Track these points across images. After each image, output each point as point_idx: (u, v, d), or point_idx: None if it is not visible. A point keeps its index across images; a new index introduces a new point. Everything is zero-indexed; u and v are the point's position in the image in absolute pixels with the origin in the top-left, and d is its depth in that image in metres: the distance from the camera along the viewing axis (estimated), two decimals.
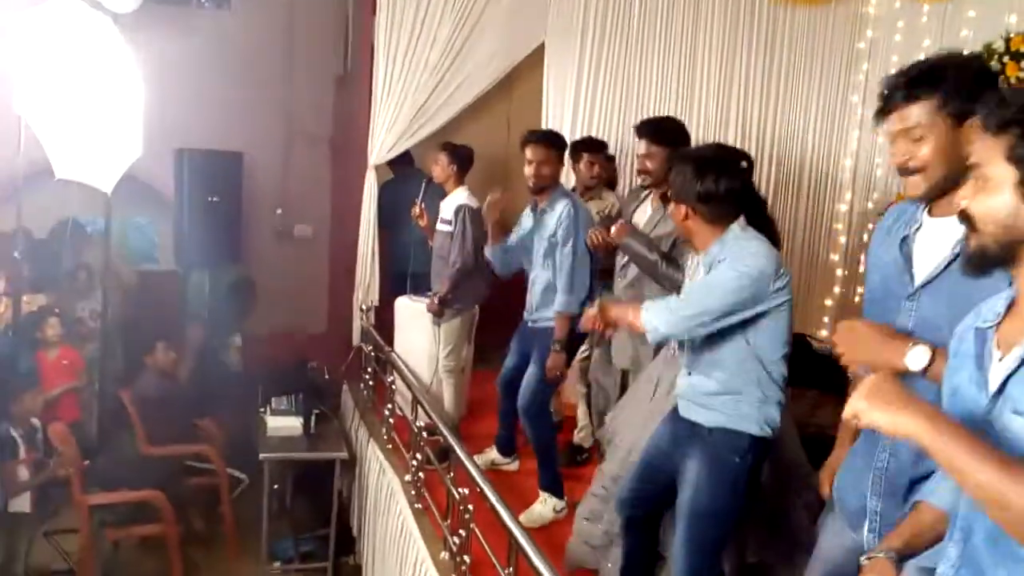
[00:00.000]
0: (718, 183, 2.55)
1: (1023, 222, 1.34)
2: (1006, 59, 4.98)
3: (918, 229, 1.92)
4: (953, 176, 1.74)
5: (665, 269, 3.40)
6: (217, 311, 5.72)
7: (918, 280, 1.88)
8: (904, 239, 1.93)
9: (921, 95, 1.79)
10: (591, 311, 2.75)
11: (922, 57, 5.62)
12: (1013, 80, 4.91)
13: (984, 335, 1.45)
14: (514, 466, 4.53)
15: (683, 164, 2.63)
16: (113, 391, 5.13)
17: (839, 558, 2.10)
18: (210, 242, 5.62)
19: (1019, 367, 1.34)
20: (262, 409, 5.03)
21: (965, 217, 1.42)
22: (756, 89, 6.07)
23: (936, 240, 1.86)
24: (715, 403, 2.60)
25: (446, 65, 5.71)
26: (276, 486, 5.01)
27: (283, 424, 4.90)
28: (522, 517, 3.90)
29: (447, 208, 4.79)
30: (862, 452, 2.05)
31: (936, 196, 1.85)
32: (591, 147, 4.91)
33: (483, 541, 3.11)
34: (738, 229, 2.59)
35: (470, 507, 3.17)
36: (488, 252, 4.18)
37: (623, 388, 3.87)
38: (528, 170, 3.99)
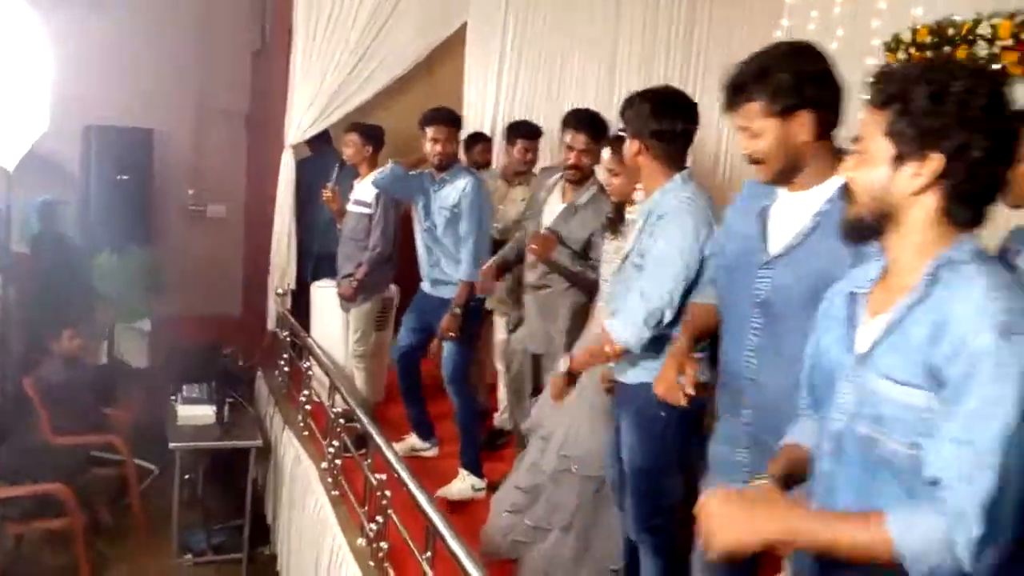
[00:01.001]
0: (674, 122, 2.58)
1: (893, 195, 1.43)
2: (912, 49, 5.13)
3: (775, 202, 2.03)
4: (792, 162, 1.93)
5: (587, 276, 3.49)
6: (126, 294, 5.50)
7: (774, 250, 1.98)
8: (762, 210, 2.04)
9: (753, 95, 1.90)
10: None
11: (835, 47, 5.81)
12: None
13: (856, 299, 1.55)
14: (433, 452, 4.51)
15: (642, 101, 2.62)
16: (15, 378, 4.90)
17: None
18: (119, 222, 5.43)
19: (886, 334, 1.44)
20: (173, 397, 4.87)
21: (846, 189, 1.52)
22: (676, 77, 6.12)
23: (793, 212, 1.97)
24: (637, 359, 2.62)
25: (367, 43, 5.62)
26: (188, 476, 4.87)
27: (195, 412, 4.75)
28: (439, 492, 3.97)
29: (364, 190, 4.71)
30: (729, 408, 2.15)
31: (782, 179, 1.98)
32: (527, 133, 4.92)
33: (400, 527, 3.07)
34: (680, 180, 2.61)
35: (387, 493, 3.13)
36: (391, 166, 4.20)
37: (536, 373, 3.88)
38: (433, 148, 4.08)
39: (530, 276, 3.81)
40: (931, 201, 1.41)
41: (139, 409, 5.13)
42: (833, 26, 5.91)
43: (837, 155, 1.91)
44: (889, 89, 1.42)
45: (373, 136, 4.77)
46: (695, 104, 2.67)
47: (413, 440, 4.50)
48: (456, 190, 4.10)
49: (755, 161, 1.98)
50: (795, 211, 1.97)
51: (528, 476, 3.34)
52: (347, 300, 4.73)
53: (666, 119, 2.57)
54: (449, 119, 4.15)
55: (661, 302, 2.50)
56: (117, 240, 5.49)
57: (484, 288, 3.98)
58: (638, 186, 2.92)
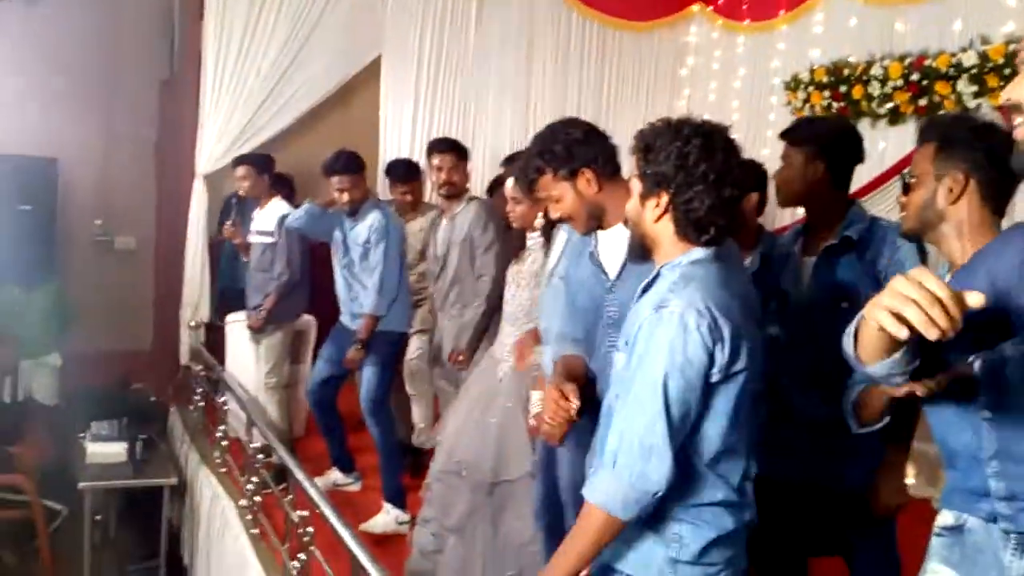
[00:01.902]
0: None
1: (644, 222, 1.88)
2: (811, 89, 5.42)
3: (596, 244, 2.39)
4: (594, 210, 2.32)
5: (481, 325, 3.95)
6: (31, 330, 5.31)
7: (612, 276, 2.34)
8: (591, 253, 2.40)
9: (542, 170, 2.32)
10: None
11: (737, 85, 6.07)
12: (817, 107, 5.34)
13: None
14: (356, 486, 4.48)
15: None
16: None
17: None
18: (22, 255, 5.23)
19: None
20: (81, 435, 4.72)
21: (626, 218, 1.96)
22: (588, 111, 6.27)
23: (613, 245, 2.34)
24: None
25: (279, 74, 5.61)
26: (99, 517, 4.71)
27: (105, 450, 4.61)
28: (363, 526, 3.95)
29: (265, 220, 4.71)
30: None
31: (593, 227, 2.36)
32: (403, 175, 4.88)
33: (324, 564, 3.06)
34: None
35: (310, 529, 3.12)
36: (307, 207, 4.25)
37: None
38: (341, 197, 4.14)
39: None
40: (668, 226, 1.84)
41: (47, 447, 4.94)
42: (736, 65, 6.19)
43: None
44: (641, 142, 1.86)
45: (265, 165, 4.78)
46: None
47: (335, 475, 4.47)
48: (366, 227, 4.16)
49: (566, 219, 2.39)
50: (614, 243, 2.33)
51: (428, 482, 3.39)
52: (256, 331, 4.69)
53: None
54: (350, 167, 4.14)
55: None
56: (21, 274, 5.30)
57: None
58: (540, 214, 3.11)
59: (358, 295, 4.24)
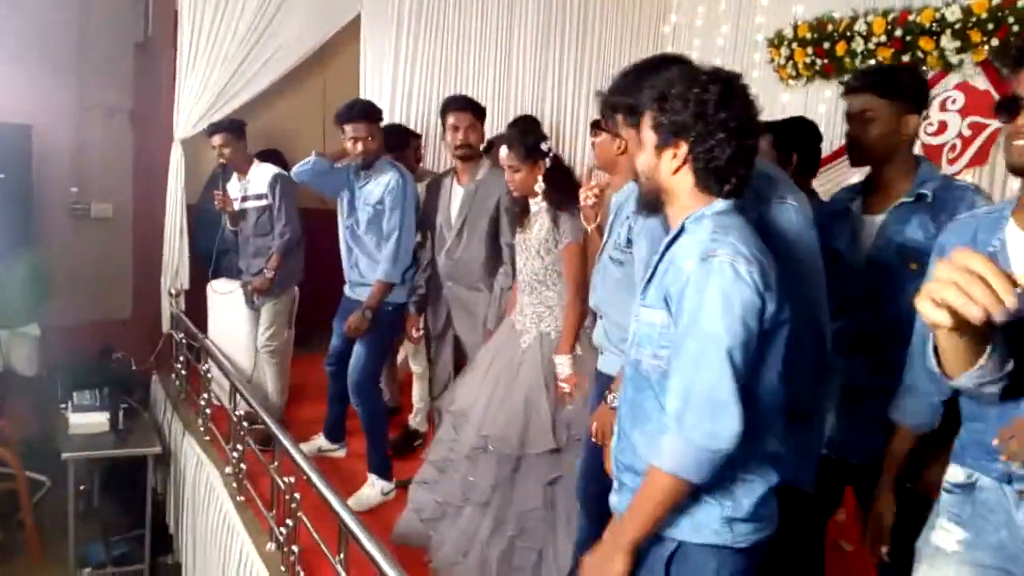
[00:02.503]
0: None
1: (659, 175, 1.83)
2: (794, 45, 5.36)
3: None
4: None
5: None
6: (9, 300, 5.23)
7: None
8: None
9: (617, 109, 2.31)
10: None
11: (720, 42, 6.01)
12: (800, 64, 5.30)
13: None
14: (341, 452, 4.47)
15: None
16: None
17: None
18: None
19: (652, 274, 1.85)
20: (63, 405, 4.68)
21: (635, 171, 1.93)
22: (570, 69, 6.24)
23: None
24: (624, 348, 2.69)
25: (257, 35, 5.48)
26: (83, 487, 4.70)
27: (87, 420, 4.57)
28: (350, 501, 3.89)
29: (257, 183, 4.63)
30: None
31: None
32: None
33: (312, 530, 3.05)
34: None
35: (296, 496, 3.11)
36: (314, 159, 3.99)
37: (457, 354, 4.01)
38: (354, 147, 3.91)
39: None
40: (687, 177, 1.79)
41: (28, 419, 4.90)
42: (719, 22, 6.11)
43: None
44: (653, 92, 1.81)
45: (240, 130, 4.70)
46: None
47: (321, 441, 4.45)
48: (380, 186, 3.96)
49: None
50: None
51: (438, 450, 3.39)
52: (262, 294, 4.62)
53: None
54: (367, 114, 3.95)
55: None
56: None
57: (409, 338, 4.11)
58: (539, 179, 3.19)
59: (357, 261, 4.10)
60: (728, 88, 1.74)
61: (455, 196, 3.97)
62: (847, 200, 2.56)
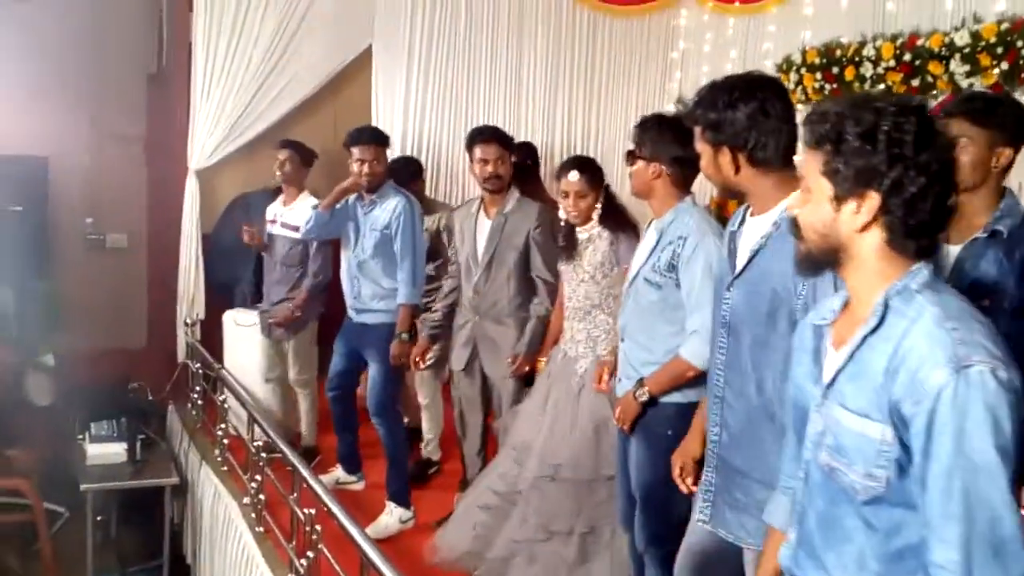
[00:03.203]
0: (693, 150, 2.69)
1: (839, 232, 1.47)
2: (803, 71, 5.39)
3: (740, 226, 2.17)
4: (730, 187, 2.12)
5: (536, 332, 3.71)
6: (25, 330, 5.26)
7: (737, 270, 2.14)
8: (731, 235, 2.19)
9: (696, 122, 2.14)
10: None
11: (729, 68, 6.04)
12: (809, 90, 5.32)
13: (821, 331, 1.60)
14: (360, 485, 4.45)
15: (664, 126, 2.76)
16: None
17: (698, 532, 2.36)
18: (14, 255, 5.17)
19: (846, 364, 1.49)
20: (80, 436, 4.69)
21: (794, 225, 1.56)
22: (580, 97, 6.27)
23: (750, 237, 2.11)
24: (645, 372, 2.72)
25: (270, 66, 5.56)
26: (100, 518, 4.69)
27: (105, 451, 4.59)
28: (368, 530, 3.89)
29: (300, 215, 4.55)
30: (708, 427, 2.27)
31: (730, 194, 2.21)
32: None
33: (333, 562, 3.05)
34: (690, 202, 2.77)
35: (317, 527, 3.11)
36: (314, 215, 4.13)
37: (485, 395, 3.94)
38: (361, 168, 3.97)
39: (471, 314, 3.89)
40: (876, 235, 1.44)
41: (45, 450, 4.91)
42: (727, 47, 6.15)
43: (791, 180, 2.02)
44: (821, 129, 1.46)
45: (307, 155, 4.73)
46: None
47: (338, 473, 4.44)
48: (387, 212, 4.02)
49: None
50: (751, 236, 2.11)
51: (500, 483, 3.43)
52: (281, 327, 4.64)
53: (688, 146, 2.59)
54: (376, 138, 4.05)
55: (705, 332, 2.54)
56: (13, 275, 5.24)
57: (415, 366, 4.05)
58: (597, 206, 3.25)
59: (360, 291, 4.12)
60: (925, 121, 1.41)
61: (481, 229, 3.86)
62: None
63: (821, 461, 1.52)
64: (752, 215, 2.13)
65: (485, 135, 3.84)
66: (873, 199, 1.42)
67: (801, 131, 1.57)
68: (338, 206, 4.10)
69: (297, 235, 4.55)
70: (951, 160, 1.43)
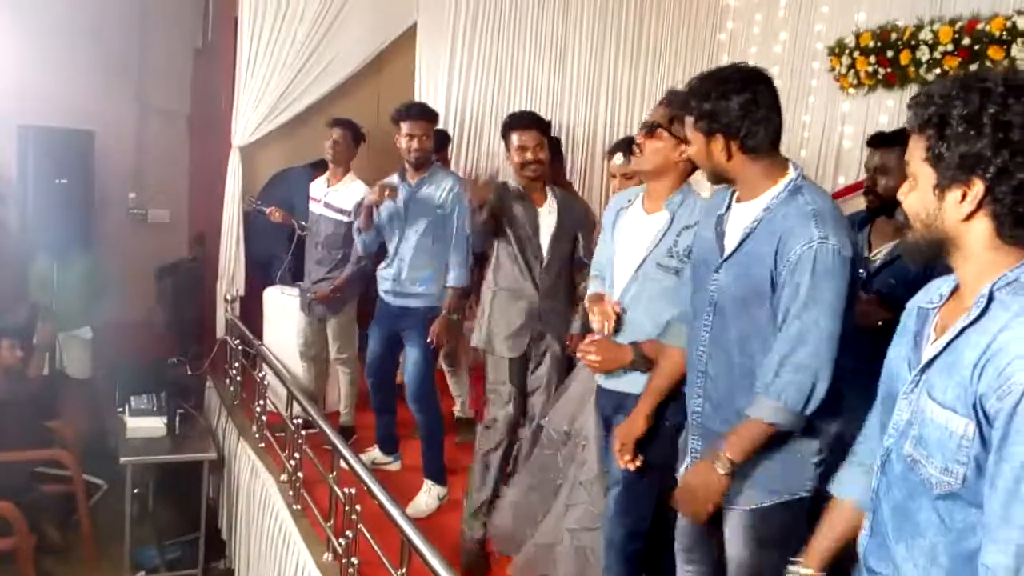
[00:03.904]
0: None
1: (943, 222, 1.40)
2: (856, 54, 5.26)
3: (727, 210, 2.22)
4: (721, 174, 2.18)
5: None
6: (65, 303, 5.31)
7: (726, 253, 2.17)
8: (719, 218, 2.22)
9: (689, 111, 2.18)
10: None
11: (778, 50, 5.91)
12: (862, 74, 5.18)
13: (927, 314, 1.52)
14: (396, 466, 4.44)
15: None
16: None
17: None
18: (58, 228, 5.22)
19: (941, 353, 1.41)
20: (120, 409, 4.72)
21: (903, 213, 1.50)
22: (625, 77, 6.18)
23: (738, 221, 2.17)
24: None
25: (315, 42, 5.51)
26: (138, 490, 4.74)
27: (145, 424, 4.62)
28: (408, 510, 3.88)
29: (345, 197, 4.53)
30: (688, 399, 2.33)
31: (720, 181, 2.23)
32: None
33: (373, 543, 3.03)
34: (700, 175, 2.63)
35: (357, 507, 3.09)
36: (362, 235, 4.08)
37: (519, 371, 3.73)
38: (410, 143, 3.91)
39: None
40: (984, 225, 1.37)
41: (86, 422, 4.96)
42: (777, 29, 6.02)
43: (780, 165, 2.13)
44: (924, 112, 1.39)
45: (359, 136, 4.67)
46: None
47: (375, 453, 4.43)
48: (442, 190, 3.94)
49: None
50: (739, 221, 2.17)
51: (536, 467, 3.39)
52: (322, 304, 4.62)
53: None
54: (425, 113, 3.97)
55: None
56: (57, 247, 5.29)
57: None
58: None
59: (401, 272, 4.00)
60: None
61: (540, 220, 3.60)
62: None
63: (905, 451, 1.46)
64: (739, 200, 2.19)
65: (525, 121, 3.63)
66: (978, 187, 1.34)
67: (906, 115, 1.47)
68: (376, 219, 4.01)
69: (343, 218, 4.52)
70: None
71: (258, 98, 5.46)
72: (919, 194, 1.43)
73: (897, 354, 1.57)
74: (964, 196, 1.36)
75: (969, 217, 1.37)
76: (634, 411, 2.52)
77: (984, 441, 1.31)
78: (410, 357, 4.03)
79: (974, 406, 1.32)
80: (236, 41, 5.45)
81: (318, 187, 4.72)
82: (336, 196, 4.61)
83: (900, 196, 1.50)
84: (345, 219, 4.52)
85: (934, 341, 1.47)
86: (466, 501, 3.68)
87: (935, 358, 1.42)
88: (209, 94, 6.00)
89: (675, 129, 2.65)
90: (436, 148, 4.55)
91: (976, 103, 1.32)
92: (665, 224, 2.63)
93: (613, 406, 2.74)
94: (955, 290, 1.49)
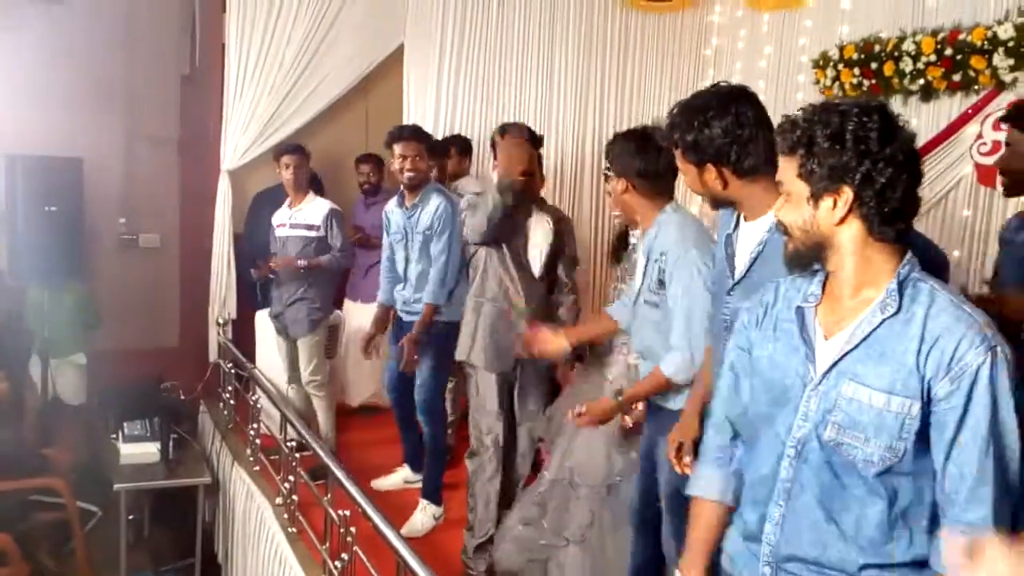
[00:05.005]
0: (659, 160, 2.67)
1: (819, 228, 1.60)
2: (840, 66, 5.30)
3: (736, 229, 2.21)
4: (720, 199, 2.18)
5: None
6: (57, 330, 5.29)
7: (737, 275, 2.17)
8: (727, 238, 2.22)
9: (675, 144, 2.19)
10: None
11: (763, 64, 5.96)
12: (847, 86, 5.23)
13: (803, 313, 1.69)
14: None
15: (625, 140, 2.75)
16: None
17: None
18: (48, 255, 5.18)
19: (859, 345, 1.58)
20: (114, 435, 4.71)
21: (781, 225, 1.68)
22: (612, 94, 6.22)
23: (746, 242, 2.16)
24: (680, 388, 2.68)
25: (302, 65, 5.55)
26: (132, 517, 4.70)
27: (138, 451, 4.60)
28: (404, 530, 3.90)
29: (310, 214, 4.65)
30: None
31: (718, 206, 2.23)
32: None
33: (369, 565, 3.03)
34: (671, 210, 2.72)
35: (352, 529, 3.09)
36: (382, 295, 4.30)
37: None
38: (403, 165, 4.00)
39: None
40: (855, 226, 1.57)
41: (78, 449, 4.94)
42: (762, 43, 6.06)
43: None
44: (792, 136, 1.59)
45: (307, 155, 4.73)
46: None
47: (405, 472, 4.44)
48: (428, 214, 4.05)
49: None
50: (748, 240, 2.16)
51: (540, 487, 3.42)
52: (284, 267, 4.64)
53: (651, 155, 2.67)
54: (417, 135, 4.10)
55: (693, 346, 2.57)
56: (47, 275, 5.27)
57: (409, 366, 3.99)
58: None
59: (409, 294, 4.15)
60: (884, 116, 1.54)
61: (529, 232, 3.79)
62: (1016, 231, 2.61)
63: (826, 437, 1.59)
64: (746, 220, 2.18)
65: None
66: (847, 193, 1.54)
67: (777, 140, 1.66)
68: (385, 259, 4.29)
69: (311, 232, 4.61)
70: (915, 151, 1.56)
71: (246, 122, 5.48)
72: (794, 207, 1.62)
73: (778, 351, 1.70)
74: (836, 203, 1.56)
75: (842, 221, 1.57)
76: (684, 414, 2.54)
77: (924, 419, 1.52)
78: (420, 371, 4.09)
79: (920, 389, 1.51)
80: (224, 66, 5.47)
81: (281, 214, 4.78)
82: (301, 215, 4.69)
83: (775, 212, 1.69)
84: (313, 233, 4.60)
85: (830, 337, 1.63)
86: (467, 536, 3.68)
87: (851, 351, 1.58)
88: (198, 119, 6.02)
89: (611, 169, 2.79)
90: (459, 153, 4.86)
91: (838, 122, 1.54)
92: (644, 260, 2.73)
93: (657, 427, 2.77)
94: (826, 290, 1.67)
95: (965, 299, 1.56)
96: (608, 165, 2.84)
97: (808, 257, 1.64)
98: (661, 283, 2.62)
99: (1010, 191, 2.49)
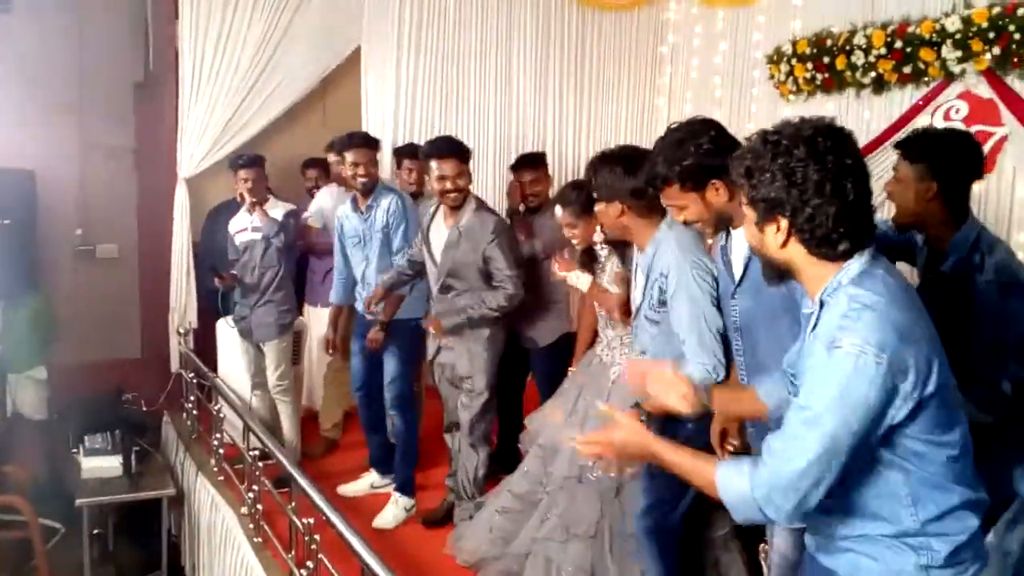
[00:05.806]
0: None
1: (770, 249, 1.74)
2: (794, 61, 5.36)
3: (727, 240, 2.38)
4: (724, 216, 2.35)
5: (487, 311, 3.62)
6: (15, 345, 5.21)
7: (736, 278, 2.33)
8: (722, 249, 2.39)
9: (669, 181, 2.37)
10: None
11: (719, 60, 6.01)
12: (801, 80, 5.29)
13: (807, 318, 1.80)
14: (392, 487, 4.30)
15: (611, 163, 2.78)
16: None
17: None
18: (2, 269, 5.11)
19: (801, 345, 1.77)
20: (75, 449, 4.64)
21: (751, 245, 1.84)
22: (570, 94, 6.24)
23: (739, 246, 2.32)
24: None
25: (258, 69, 5.49)
26: (97, 531, 4.65)
27: (100, 464, 4.54)
28: (375, 522, 3.98)
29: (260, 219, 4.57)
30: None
31: (722, 228, 2.40)
32: (413, 154, 4.87)
33: (333, 570, 3.01)
34: (666, 227, 2.74)
35: (316, 537, 3.07)
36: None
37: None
38: (356, 171, 4.07)
39: (439, 307, 3.83)
40: (798, 248, 1.70)
41: (39, 465, 4.86)
42: (717, 40, 6.12)
43: None
44: (740, 167, 1.73)
45: (263, 164, 4.69)
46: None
47: (373, 477, 4.42)
48: (383, 211, 4.12)
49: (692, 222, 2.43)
50: (742, 245, 2.30)
51: (523, 483, 3.44)
52: (260, 335, 4.61)
53: (640, 176, 2.64)
54: (368, 142, 4.20)
55: (712, 358, 2.57)
56: (2, 288, 5.19)
57: (373, 311, 4.00)
58: (598, 228, 3.15)
59: (369, 291, 4.14)
60: (812, 146, 1.63)
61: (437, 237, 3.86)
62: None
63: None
64: (734, 227, 2.34)
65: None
66: (783, 221, 1.68)
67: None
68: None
69: (272, 229, 4.53)
70: (842, 173, 1.62)
71: (202, 129, 5.42)
72: (749, 229, 1.77)
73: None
74: (778, 229, 1.69)
75: (784, 244, 1.70)
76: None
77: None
78: (388, 368, 4.13)
79: (793, 377, 1.79)
80: (178, 72, 5.41)
81: (239, 220, 4.71)
82: (256, 219, 4.59)
83: (743, 232, 1.86)
84: (267, 235, 4.53)
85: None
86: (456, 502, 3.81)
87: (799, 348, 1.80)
88: (153, 127, 5.94)
89: (600, 195, 2.82)
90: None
91: (768, 156, 1.66)
92: (643, 280, 2.76)
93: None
94: None
95: (892, 309, 1.61)
96: (595, 192, 2.85)
97: (776, 271, 1.77)
98: (663, 303, 2.67)
99: (898, 221, 2.57)
